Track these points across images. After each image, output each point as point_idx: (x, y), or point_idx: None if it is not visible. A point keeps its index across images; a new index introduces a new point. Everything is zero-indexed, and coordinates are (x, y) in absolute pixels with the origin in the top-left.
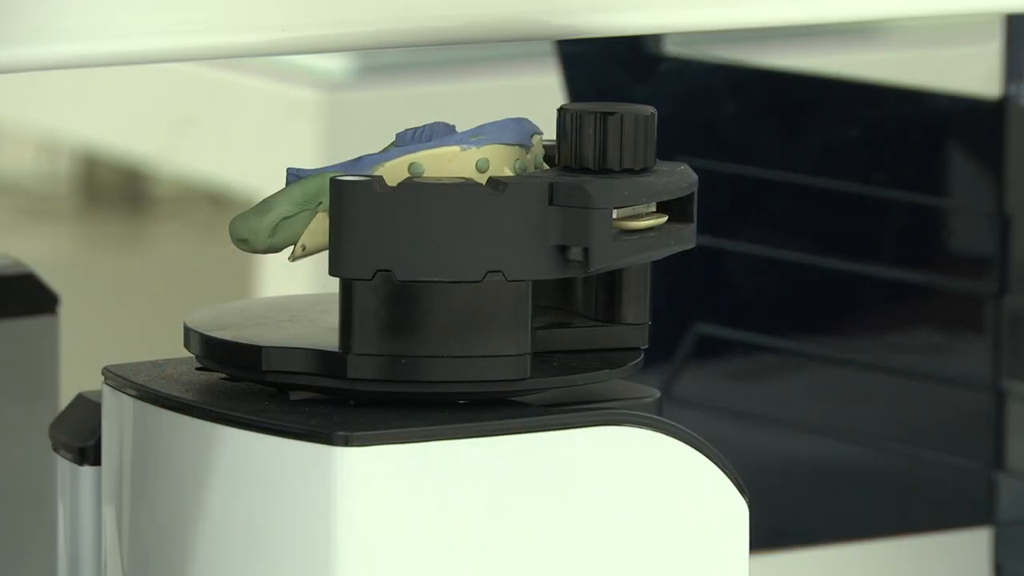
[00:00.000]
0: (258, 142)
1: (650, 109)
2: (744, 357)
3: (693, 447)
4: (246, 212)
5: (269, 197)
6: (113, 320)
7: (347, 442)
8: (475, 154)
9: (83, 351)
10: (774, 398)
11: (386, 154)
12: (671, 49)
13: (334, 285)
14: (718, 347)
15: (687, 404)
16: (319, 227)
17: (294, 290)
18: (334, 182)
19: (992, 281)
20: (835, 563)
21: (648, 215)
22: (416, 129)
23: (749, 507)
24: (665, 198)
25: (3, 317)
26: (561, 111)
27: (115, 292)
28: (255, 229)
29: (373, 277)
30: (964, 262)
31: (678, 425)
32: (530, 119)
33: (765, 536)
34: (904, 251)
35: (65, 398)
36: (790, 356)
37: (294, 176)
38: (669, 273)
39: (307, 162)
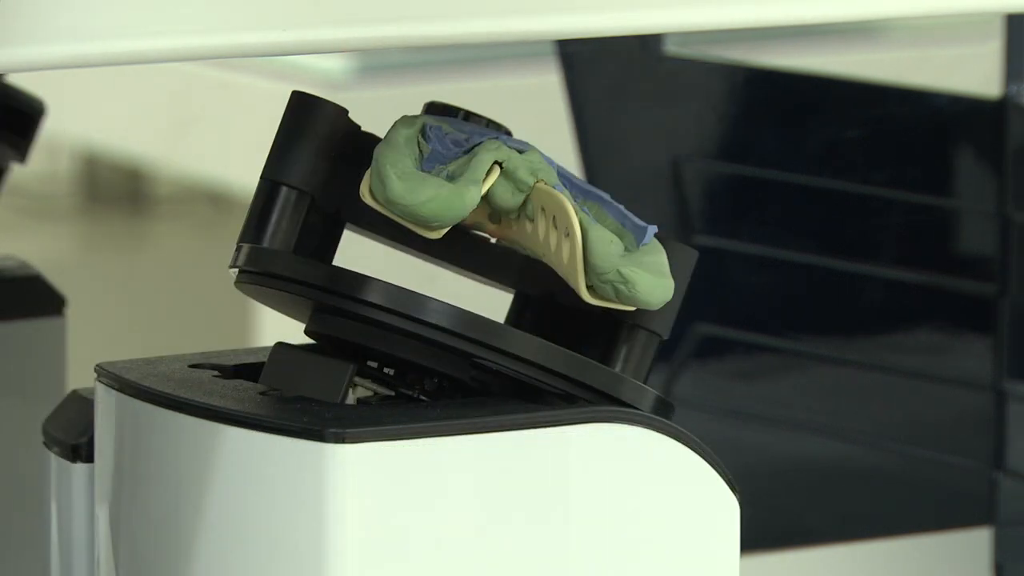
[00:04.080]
0: (258, 142)
1: None
2: (744, 357)
3: (684, 444)
4: (434, 191)
5: (469, 169)
6: (116, 320)
7: (340, 439)
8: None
9: (88, 351)
10: (774, 398)
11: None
12: (671, 49)
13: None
14: (718, 347)
15: (687, 404)
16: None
17: None
18: None
19: (993, 282)
20: (835, 563)
21: None
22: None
23: (744, 505)
24: None
25: (11, 319)
26: None
27: (117, 292)
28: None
29: None
30: (965, 262)
31: (669, 422)
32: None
33: (765, 536)
34: (905, 251)
35: None
36: (790, 356)
37: (459, 148)
38: None
39: None
